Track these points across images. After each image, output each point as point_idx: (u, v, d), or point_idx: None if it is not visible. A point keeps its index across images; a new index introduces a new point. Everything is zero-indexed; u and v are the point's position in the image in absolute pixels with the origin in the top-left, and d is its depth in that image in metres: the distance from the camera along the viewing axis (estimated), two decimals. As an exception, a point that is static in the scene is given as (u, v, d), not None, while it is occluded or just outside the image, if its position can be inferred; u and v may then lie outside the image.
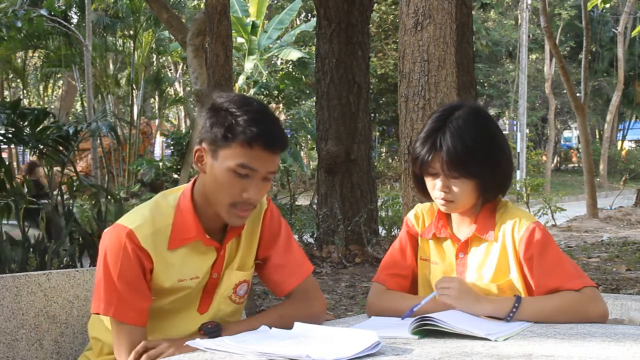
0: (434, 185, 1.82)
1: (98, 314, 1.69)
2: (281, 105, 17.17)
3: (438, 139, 1.77)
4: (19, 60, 20.07)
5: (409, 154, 3.42)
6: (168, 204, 1.74)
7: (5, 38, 12.94)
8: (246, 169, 1.62)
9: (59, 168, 5.38)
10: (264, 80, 16.83)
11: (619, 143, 31.73)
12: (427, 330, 1.57)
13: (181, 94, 23.86)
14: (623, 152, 30.61)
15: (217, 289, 1.78)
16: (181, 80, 25.13)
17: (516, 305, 1.69)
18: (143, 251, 1.65)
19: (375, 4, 17.49)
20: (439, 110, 1.88)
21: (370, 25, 11.66)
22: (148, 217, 1.69)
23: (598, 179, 21.97)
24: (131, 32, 16.54)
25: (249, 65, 17.21)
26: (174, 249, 1.70)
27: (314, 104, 9.25)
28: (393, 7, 20.15)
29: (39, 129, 5.14)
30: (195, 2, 22.68)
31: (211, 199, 1.68)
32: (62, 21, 13.19)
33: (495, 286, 1.80)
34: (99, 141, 13.98)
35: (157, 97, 21.31)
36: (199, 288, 1.76)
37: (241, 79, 16.56)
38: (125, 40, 17.66)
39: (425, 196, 1.89)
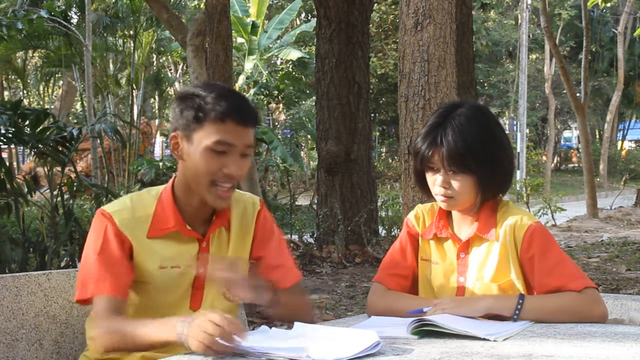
0: (434, 181, 1.82)
1: (82, 300, 1.71)
2: (281, 105, 17.16)
3: (439, 134, 1.78)
4: (19, 60, 20.05)
5: (409, 154, 3.42)
6: (150, 195, 1.78)
7: (5, 38, 12.92)
8: (223, 145, 1.65)
9: (59, 168, 5.38)
10: (264, 80, 16.80)
11: (619, 143, 31.71)
12: (426, 330, 1.57)
13: (181, 94, 23.80)
14: (623, 152, 30.60)
15: (207, 285, 1.78)
16: (181, 80, 25.11)
17: (520, 302, 1.69)
18: (121, 234, 1.69)
19: (375, 4, 17.48)
20: (441, 107, 1.89)
21: (370, 25, 11.66)
22: (128, 205, 1.74)
23: (598, 179, 21.95)
24: (131, 32, 16.51)
25: (249, 65, 17.19)
26: (153, 237, 1.72)
27: (314, 104, 9.26)
28: (393, 7, 20.15)
29: (39, 129, 5.14)
30: (195, 2, 22.67)
31: (192, 183, 1.70)
32: (62, 21, 13.17)
33: (496, 286, 1.80)
34: (99, 141, 13.97)
35: (157, 97, 21.30)
36: (188, 284, 1.76)
37: (241, 79, 16.54)
38: (125, 40, 17.63)
39: (426, 193, 1.88)
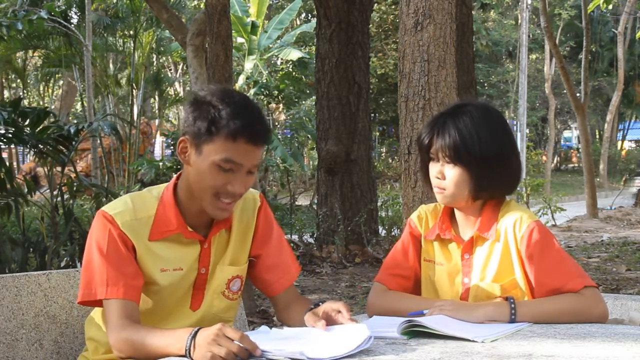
0: (433, 173, 1.84)
1: (87, 302, 1.68)
2: (281, 105, 17.15)
3: (439, 124, 1.81)
4: (19, 60, 20.04)
5: (409, 154, 3.42)
6: (152, 196, 1.75)
7: (5, 38, 12.92)
8: (230, 164, 1.62)
9: (59, 168, 5.38)
10: (264, 80, 16.80)
11: (619, 143, 31.71)
12: (415, 331, 1.57)
13: (181, 94, 23.83)
14: (623, 152, 30.60)
15: (208, 285, 1.77)
16: (181, 80, 25.11)
17: (512, 306, 1.68)
18: (124, 236, 1.67)
19: (375, 4, 17.48)
20: (451, 104, 1.92)
21: (370, 25, 11.66)
22: (130, 206, 1.70)
23: (598, 179, 21.94)
24: (131, 32, 16.51)
25: (249, 65, 17.19)
26: (154, 240, 1.70)
27: (314, 104, 9.26)
28: (393, 7, 20.15)
29: (39, 128, 5.13)
30: (195, 2, 22.67)
31: (195, 191, 1.68)
32: (62, 21, 13.17)
33: (499, 286, 1.79)
34: (99, 141, 13.98)
35: (157, 97, 21.27)
36: (189, 284, 1.75)
37: (241, 79, 16.54)
38: (125, 40, 17.63)
39: (429, 187, 1.89)
